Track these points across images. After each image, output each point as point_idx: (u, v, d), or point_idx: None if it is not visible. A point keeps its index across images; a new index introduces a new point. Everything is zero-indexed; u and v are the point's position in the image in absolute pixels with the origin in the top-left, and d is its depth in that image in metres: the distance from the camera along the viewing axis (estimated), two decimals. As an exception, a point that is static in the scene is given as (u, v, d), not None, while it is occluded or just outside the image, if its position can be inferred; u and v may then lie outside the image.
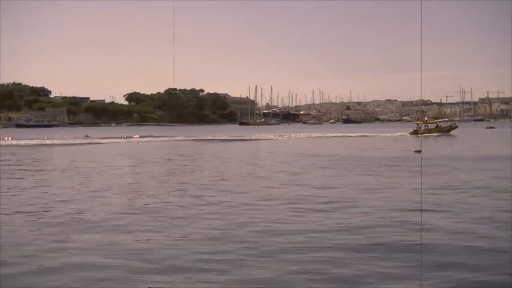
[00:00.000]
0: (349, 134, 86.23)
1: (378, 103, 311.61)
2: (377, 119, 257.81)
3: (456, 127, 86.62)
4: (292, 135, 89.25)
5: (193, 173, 30.10)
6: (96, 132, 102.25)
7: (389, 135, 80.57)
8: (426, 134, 76.21)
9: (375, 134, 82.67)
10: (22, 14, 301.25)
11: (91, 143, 68.82)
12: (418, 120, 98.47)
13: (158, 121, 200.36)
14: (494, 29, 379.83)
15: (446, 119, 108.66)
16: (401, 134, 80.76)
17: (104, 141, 73.25)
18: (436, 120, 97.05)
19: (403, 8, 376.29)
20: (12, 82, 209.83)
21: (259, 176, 28.11)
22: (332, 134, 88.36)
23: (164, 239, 13.36)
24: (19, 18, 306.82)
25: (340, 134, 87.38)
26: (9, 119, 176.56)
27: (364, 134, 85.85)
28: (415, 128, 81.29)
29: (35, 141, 70.61)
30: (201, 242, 13.00)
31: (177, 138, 79.80)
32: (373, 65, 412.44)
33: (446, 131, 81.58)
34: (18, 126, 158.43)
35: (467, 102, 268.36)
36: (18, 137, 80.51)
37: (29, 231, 14.41)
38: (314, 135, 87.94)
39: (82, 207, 18.07)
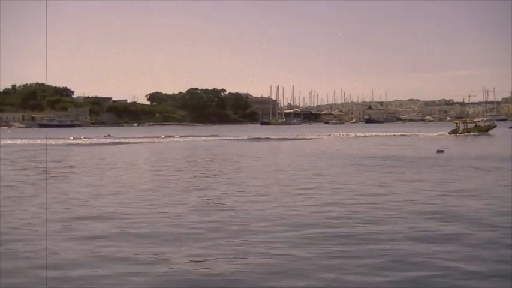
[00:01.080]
0: (392, 133, 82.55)
1: (399, 103, 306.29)
2: (399, 119, 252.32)
3: (495, 126, 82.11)
4: (331, 134, 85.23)
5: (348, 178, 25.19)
6: (119, 132, 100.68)
7: (430, 134, 76.45)
8: (465, 134, 72.68)
9: (417, 134, 78.68)
10: (44, 14, 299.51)
11: (157, 141, 68.13)
12: (457, 119, 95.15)
13: (180, 121, 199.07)
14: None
15: (485, 119, 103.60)
16: (441, 133, 76.71)
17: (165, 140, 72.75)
18: (475, 120, 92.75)
19: (425, 7, 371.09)
20: (35, 82, 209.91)
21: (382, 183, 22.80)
22: (372, 133, 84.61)
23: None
24: (41, 18, 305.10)
25: (381, 134, 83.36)
26: (33, 118, 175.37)
27: (404, 133, 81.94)
28: (454, 128, 77.72)
29: (84, 141, 69.49)
30: None
31: (222, 137, 77.57)
32: (396, 65, 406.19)
33: (485, 130, 77.20)
34: (41, 126, 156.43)
35: (490, 102, 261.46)
36: (59, 136, 78.98)
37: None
38: (353, 134, 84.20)
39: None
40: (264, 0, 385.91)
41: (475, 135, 72.01)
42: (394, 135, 79.06)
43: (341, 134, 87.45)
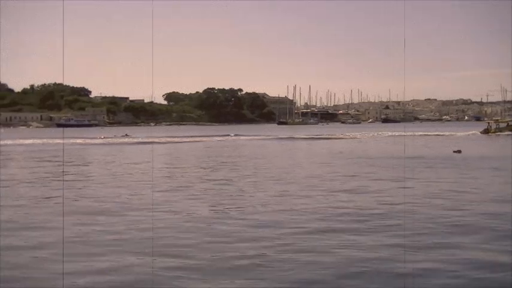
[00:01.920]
0: (427, 133, 79.76)
1: (417, 102, 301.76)
2: (416, 119, 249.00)
3: None
4: (361, 134, 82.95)
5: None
6: (136, 132, 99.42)
7: (463, 134, 73.65)
8: (498, 133, 69.82)
9: (451, 133, 76.47)
10: (60, 14, 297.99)
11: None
12: (490, 119, 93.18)
13: (197, 121, 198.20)
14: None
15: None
16: (473, 133, 73.81)
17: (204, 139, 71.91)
18: (507, 120, 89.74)
19: (442, 7, 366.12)
20: (53, 82, 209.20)
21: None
22: (407, 133, 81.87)
23: None
24: (58, 18, 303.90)
25: (418, 133, 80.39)
26: (51, 118, 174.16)
27: (441, 133, 79.39)
28: (486, 127, 75.01)
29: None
30: None
31: (259, 137, 76.56)
32: (413, 64, 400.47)
33: None
34: (59, 125, 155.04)
35: (508, 101, 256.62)
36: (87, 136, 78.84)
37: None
38: (386, 134, 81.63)
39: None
40: (282, 0, 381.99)
41: (508, 134, 69.05)
42: (427, 134, 76.30)
43: (377, 133, 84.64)
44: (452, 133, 76.43)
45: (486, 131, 73.28)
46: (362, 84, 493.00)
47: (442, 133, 78.13)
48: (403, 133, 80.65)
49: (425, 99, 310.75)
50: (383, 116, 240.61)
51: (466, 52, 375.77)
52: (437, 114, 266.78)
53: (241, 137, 75.59)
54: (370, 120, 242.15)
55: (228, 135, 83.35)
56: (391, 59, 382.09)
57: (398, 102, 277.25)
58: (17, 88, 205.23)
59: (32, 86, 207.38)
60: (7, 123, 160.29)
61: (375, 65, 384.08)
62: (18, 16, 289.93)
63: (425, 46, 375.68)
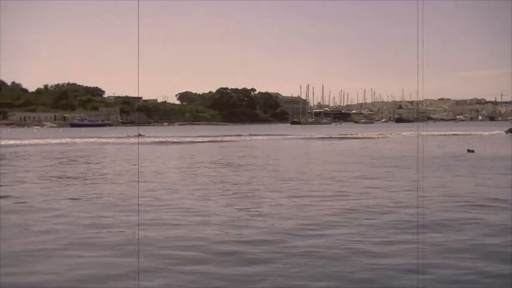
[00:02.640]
0: (456, 132, 78.09)
1: (430, 102, 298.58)
2: (429, 118, 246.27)
3: None
4: (387, 133, 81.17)
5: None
6: (149, 131, 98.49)
7: (489, 133, 72.12)
8: None
9: (479, 133, 75.04)
10: (77, 15, 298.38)
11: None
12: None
13: (210, 120, 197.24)
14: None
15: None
16: (497, 132, 71.90)
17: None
18: None
19: (455, 6, 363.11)
20: (67, 82, 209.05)
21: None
22: (434, 132, 79.45)
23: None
24: (72, 18, 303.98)
25: (446, 133, 78.61)
26: (64, 118, 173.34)
27: (469, 132, 78.16)
28: (511, 127, 73.01)
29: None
30: None
31: (291, 136, 75.25)
32: (426, 63, 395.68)
33: None
34: (73, 125, 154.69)
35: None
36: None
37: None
38: (415, 133, 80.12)
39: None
40: (295, 0, 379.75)
41: None
42: (456, 134, 74.32)
43: (405, 132, 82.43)
44: (481, 132, 74.79)
45: (511, 131, 71.62)
46: (375, 84, 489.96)
47: (473, 132, 76.62)
48: (434, 133, 78.37)
49: (439, 99, 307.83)
50: (396, 116, 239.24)
51: (480, 52, 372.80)
52: (451, 114, 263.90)
53: (266, 137, 73.61)
54: (384, 120, 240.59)
55: (251, 134, 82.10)
56: (405, 58, 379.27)
57: (411, 102, 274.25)
58: (31, 88, 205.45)
59: (45, 86, 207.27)
60: (21, 123, 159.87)
61: (388, 64, 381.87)
62: (29, 16, 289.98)
63: (438, 45, 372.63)
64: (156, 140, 65.29)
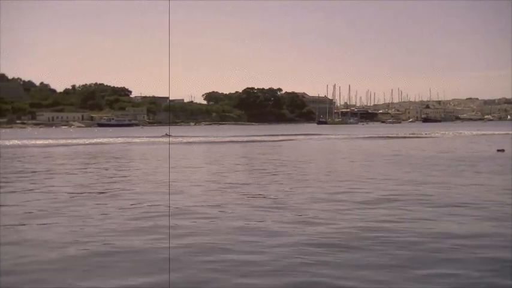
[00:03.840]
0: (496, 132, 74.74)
1: (458, 102, 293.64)
2: (457, 118, 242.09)
3: None
4: (451, 133, 77.65)
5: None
6: (176, 131, 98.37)
7: None
8: None
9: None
10: (106, 15, 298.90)
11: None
12: None
13: (236, 120, 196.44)
14: None
15: None
16: None
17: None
18: None
19: (483, 5, 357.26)
20: (94, 82, 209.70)
21: None
22: (486, 132, 76.66)
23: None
24: (102, 19, 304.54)
25: (496, 132, 75.15)
26: (92, 118, 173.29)
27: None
28: None
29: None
30: None
31: (335, 136, 72.05)
32: (454, 63, 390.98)
33: None
34: (100, 125, 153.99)
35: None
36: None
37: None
38: (475, 132, 76.66)
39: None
40: (322, 0, 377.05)
41: None
42: (495, 134, 71.24)
43: (463, 132, 79.20)
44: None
45: None
46: (402, 83, 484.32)
47: None
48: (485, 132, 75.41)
49: (467, 99, 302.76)
50: (423, 116, 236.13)
51: (508, 51, 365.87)
52: (479, 113, 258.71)
53: (311, 137, 71.07)
54: (411, 119, 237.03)
55: (295, 134, 79.53)
56: (432, 58, 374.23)
57: (439, 102, 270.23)
58: (59, 88, 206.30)
59: (73, 86, 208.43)
60: (49, 123, 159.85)
61: (416, 64, 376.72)
62: (57, 17, 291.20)
63: (466, 45, 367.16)
64: (202, 140, 63.70)
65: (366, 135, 70.98)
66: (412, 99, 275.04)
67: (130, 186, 19.06)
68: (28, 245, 10.18)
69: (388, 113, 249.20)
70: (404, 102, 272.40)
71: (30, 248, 10.00)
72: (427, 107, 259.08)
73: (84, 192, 17.49)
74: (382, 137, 67.99)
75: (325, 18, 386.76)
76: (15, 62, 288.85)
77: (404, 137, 66.19)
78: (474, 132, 75.63)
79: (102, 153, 40.98)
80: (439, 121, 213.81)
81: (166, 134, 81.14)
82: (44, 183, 20.61)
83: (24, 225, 12.14)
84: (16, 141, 59.93)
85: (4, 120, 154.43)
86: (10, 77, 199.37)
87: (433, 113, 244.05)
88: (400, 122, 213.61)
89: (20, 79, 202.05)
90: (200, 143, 57.85)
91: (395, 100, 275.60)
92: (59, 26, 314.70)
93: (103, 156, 38.06)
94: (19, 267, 8.75)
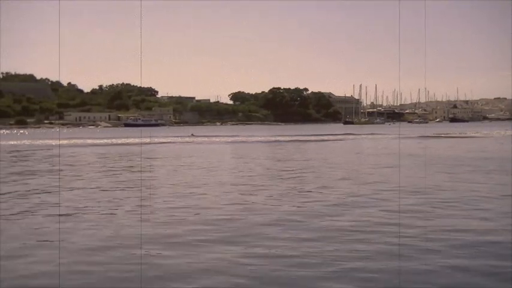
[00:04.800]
0: None
1: (486, 101, 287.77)
2: (485, 118, 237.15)
3: None
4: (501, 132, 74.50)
5: None
6: (203, 131, 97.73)
7: None
8: None
9: None
10: (132, 17, 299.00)
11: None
12: None
13: (262, 120, 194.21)
14: None
15: None
16: None
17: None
18: None
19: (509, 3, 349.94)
20: (121, 83, 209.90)
21: None
22: None
23: None
24: (127, 20, 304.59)
25: None
26: (118, 118, 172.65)
27: None
28: None
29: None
30: None
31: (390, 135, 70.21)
32: (481, 62, 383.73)
33: None
34: (127, 125, 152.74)
35: None
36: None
37: None
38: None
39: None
40: (346, 0, 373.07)
41: None
42: None
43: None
44: None
45: None
46: (429, 83, 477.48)
47: None
48: None
49: (495, 98, 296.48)
50: (450, 116, 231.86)
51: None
52: (507, 113, 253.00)
53: (359, 136, 68.75)
54: (438, 119, 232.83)
55: (345, 133, 77.35)
56: (459, 57, 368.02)
57: (466, 102, 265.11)
58: (86, 88, 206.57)
59: (100, 87, 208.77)
60: (77, 123, 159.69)
61: (442, 63, 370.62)
62: (85, 18, 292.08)
63: (495, 44, 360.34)
64: (262, 139, 62.78)
65: (412, 135, 68.43)
66: (439, 99, 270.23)
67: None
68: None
69: (415, 113, 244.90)
70: (431, 102, 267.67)
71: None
72: (455, 106, 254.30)
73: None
74: (434, 136, 65.87)
75: (351, 17, 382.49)
76: (42, 62, 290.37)
77: (459, 137, 63.74)
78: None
79: (155, 153, 39.93)
80: (467, 121, 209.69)
81: (192, 135, 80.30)
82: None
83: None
84: (76, 141, 60.20)
85: (32, 120, 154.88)
86: (38, 77, 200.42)
87: (460, 113, 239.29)
88: (427, 122, 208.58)
89: (48, 79, 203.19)
90: (261, 142, 57.06)
91: (422, 100, 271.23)
92: (88, 25, 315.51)
93: (169, 157, 36.54)
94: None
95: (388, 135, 71.62)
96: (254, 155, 35.59)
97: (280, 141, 57.85)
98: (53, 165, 28.30)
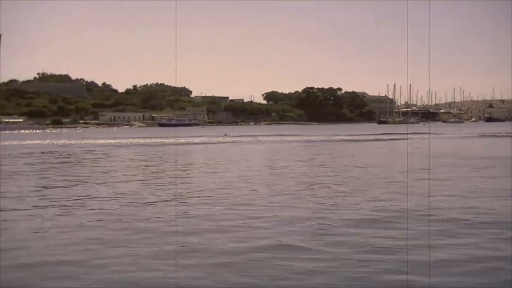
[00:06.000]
0: None
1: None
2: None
3: None
4: None
5: None
6: (236, 131, 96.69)
7: None
8: None
9: None
10: (168, 18, 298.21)
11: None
12: None
13: (296, 120, 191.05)
14: None
15: None
16: None
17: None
18: None
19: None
20: (155, 83, 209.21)
21: None
22: None
23: None
24: (163, 22, 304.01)
25: None
26: (152, 118, 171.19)
27: None
28: None
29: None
30: None
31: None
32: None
33: None
34: (161, 125, 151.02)
35: None
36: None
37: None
38: None
39: None
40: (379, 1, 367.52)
41: None
42: None
43: None
44: None
45: None
46: (464, 82, 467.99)
47: None
48: None
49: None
50: (486, 115, 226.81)
51: None
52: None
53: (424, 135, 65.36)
54: (473, 119, 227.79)
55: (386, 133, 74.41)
56: (495, 56, 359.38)
57: (502, 101, 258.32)
58: (121, 89, 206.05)
59: (134, 87, 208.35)
60: (111, 123, 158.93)
61: (478, 62, 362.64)
62: (118, 19, 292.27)
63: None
64: (321, 138, 61.54)
65: (471, 134, 65.12)
66: (474, 99, 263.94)
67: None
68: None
69: (450, 113, 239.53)
70: (466, 101, 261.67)
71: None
72: (490, 106, 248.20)
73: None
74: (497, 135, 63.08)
75: (384, 17, 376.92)
76: (78, 63, 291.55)
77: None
78: None
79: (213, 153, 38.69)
80: (503, 121, 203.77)
81: (225, 134, 78.41)
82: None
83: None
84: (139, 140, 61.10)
85: (68, 120, 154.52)
86: (73, 77, 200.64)
87: (496, 113, 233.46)
88: (462, 122, 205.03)
89: (83, 79, 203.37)
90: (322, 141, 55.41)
91: (457, 99, 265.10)
92: (123, 26, 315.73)
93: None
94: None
95: (444, 134, 68.59)
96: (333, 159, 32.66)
97: (332, 140, 55.62)
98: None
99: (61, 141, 60.63)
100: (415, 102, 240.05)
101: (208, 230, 11.51)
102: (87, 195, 17.00)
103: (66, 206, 15.12)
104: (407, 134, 65.71)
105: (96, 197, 16.64)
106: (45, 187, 19.34)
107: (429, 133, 68.09)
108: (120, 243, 10.53)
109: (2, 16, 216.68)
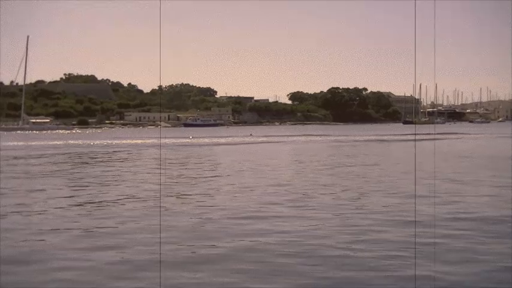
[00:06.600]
0: None
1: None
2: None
3: None
4: None
5: None
6: (262, 131, 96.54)
7: None
8: None
9: None
10: (196, 18, 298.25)
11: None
12: None
13: (321, 120, 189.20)
14: None
15: None
16: None
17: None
18: None
19: None
20: (180, 83, 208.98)
21: None
22: None
23: None
24: (190, 21, 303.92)
25: None
26: (178, 118, 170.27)
27: None
28: None
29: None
30: None
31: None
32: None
33: None
34: (186, 125, 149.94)
35: None
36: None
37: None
38: None
39: None
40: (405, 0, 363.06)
41: None
42: None
43: None
44: None
45: None
46: (491, 82, 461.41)
47: None
48: None
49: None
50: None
51: None
52: None
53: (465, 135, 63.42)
54: (500, 119, 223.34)
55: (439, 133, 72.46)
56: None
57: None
58: (146, 89, 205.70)
59: (160, 87, 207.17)
60: (137, 123, 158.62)
61: (505, 61, 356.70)
62: (145, 19, 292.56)
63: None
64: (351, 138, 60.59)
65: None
66: (501, 98, 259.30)
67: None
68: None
69: (477, 113, 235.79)
70: (493, 101, 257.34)
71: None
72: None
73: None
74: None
75: (409, 17, 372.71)
76: (103, 64, 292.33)
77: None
78: None
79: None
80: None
81: (250, 135, 77.68)
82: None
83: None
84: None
85: (94, 120, 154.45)
86: (99, 78, 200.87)
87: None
88: (489, 122, 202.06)
89: (109, 80, 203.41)
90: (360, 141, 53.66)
91: (484, 99, 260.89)
92: (145, 26, 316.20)
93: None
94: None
95: (481, 134, 66.44)
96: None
97: (370, 140, 53.98)
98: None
99: (104, 142, 60.99)
100: (441, 102, 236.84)
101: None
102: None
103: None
104: (448, 134, 63.87)
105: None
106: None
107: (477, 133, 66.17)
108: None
109: (30, 17, 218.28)
